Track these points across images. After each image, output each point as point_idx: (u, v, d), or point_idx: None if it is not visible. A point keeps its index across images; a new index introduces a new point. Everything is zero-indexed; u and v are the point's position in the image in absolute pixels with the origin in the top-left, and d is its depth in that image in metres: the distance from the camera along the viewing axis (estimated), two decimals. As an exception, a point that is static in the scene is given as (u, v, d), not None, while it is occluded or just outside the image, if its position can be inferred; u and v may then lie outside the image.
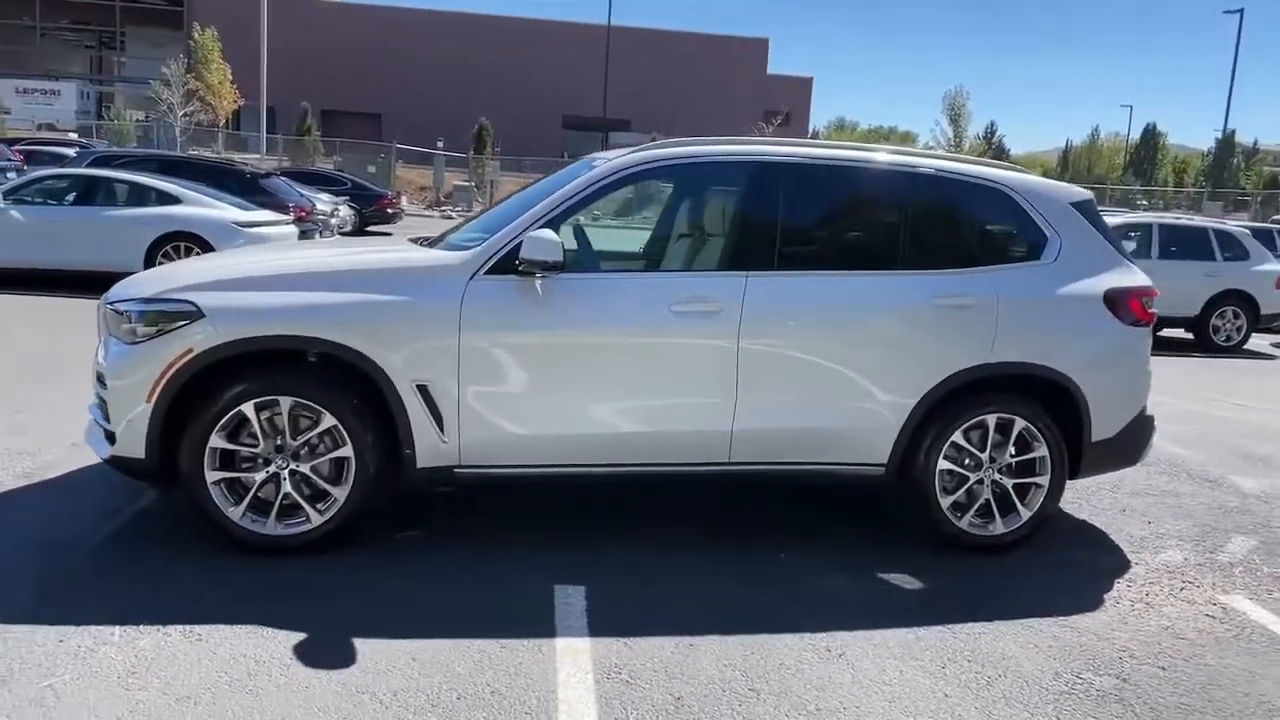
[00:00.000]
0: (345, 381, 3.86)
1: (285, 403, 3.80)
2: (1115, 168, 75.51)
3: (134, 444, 3.78)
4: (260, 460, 3.84)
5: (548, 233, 3.86)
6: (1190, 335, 13.17)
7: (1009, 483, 4.39)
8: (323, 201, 17.81)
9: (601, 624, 3.47)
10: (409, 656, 3.15)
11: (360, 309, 3.83)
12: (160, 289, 3.90)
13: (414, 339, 3.86)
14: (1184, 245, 13.25)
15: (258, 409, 3.79)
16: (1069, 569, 4.33)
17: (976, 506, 4.37)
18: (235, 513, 3.83)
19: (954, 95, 46.46)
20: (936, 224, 4.48)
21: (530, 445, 4.03)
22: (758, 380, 4.10)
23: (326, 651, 3.15)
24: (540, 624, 3.44)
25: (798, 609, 3.72)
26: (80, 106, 46.80)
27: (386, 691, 2.94)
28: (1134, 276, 4.58)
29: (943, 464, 4.30)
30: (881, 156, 4.48)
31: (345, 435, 3.84)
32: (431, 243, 4.52)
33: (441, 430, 3.92)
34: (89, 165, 14.48)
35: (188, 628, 3.24)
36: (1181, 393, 9.05)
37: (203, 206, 11.46)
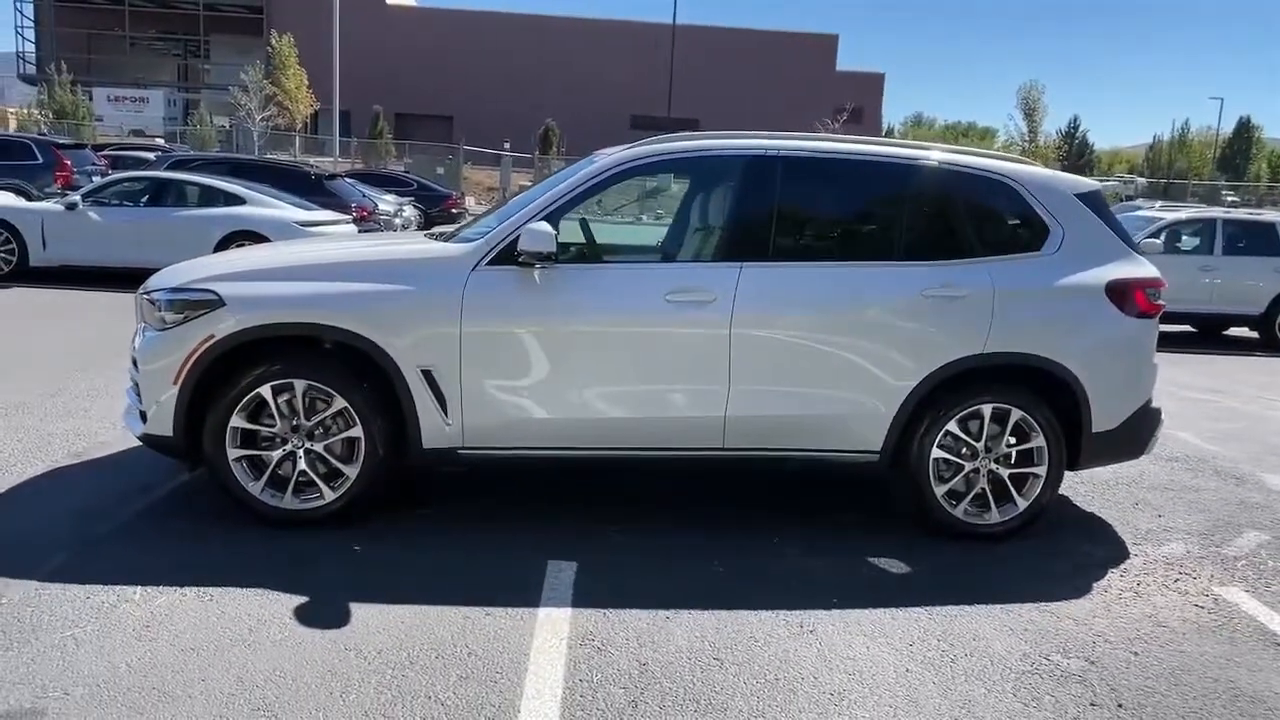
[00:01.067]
0: (355, 366, 4.11)
1: (299, 386, 4.07)
2: (1206, 162, 72.65)
3: (163, 423, 4.09)
4: (278, 439, 4.12)
5: (543, 225, 4.05)
6: (1255, 334, 12.76)
7: (1005, 473, 4.43)
8: (386, 202, 18.33)
9: (585, 596, 3.65)
10: (398, 620, 3.38)
11: (368, 298, 4.08)
12: (187, 279, 4.21)
13: (418, 326, 4.09)
14: (1250, 241, 12.84)
15: (274, 391, 4.06)
16: (1063, 558, 4.35)
17: (972, 495, 4.43)
18: (255, 488, 4.11)
19: (1028, 89, 45.40)
20: (933, 216, 4.54)
21: (529, 428, 4.23)
22: (750, 368, 4.23)
23: (323, 613, 3.39)
24: (527, 595, 3.63)
25: (778, 588, 3.84)
26: (167, 113, 48.82)
27: (372, 649, 3.16)
28: (1140, 268, 4.57)
29: (937, 452, 4.37)
30: (880, 149, 4.56)
31: (355, 417, 4.09)
32: (448, 237, 4.75)
33: (445, 413, 4.15)
34: (166, 169, 15.21)
35: (201, 589, 3.52)
36: (1233, 391, 8.84)
37: (266, 207, 11.98)
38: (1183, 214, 12.92)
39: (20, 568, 3.58)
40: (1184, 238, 12.80)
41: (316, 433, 4.13)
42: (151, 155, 18.93)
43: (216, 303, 4.05)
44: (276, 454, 4.11)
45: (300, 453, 4.12)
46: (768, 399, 4.28)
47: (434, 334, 4.09)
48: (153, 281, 4.38)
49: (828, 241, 4.54)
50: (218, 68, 53.72)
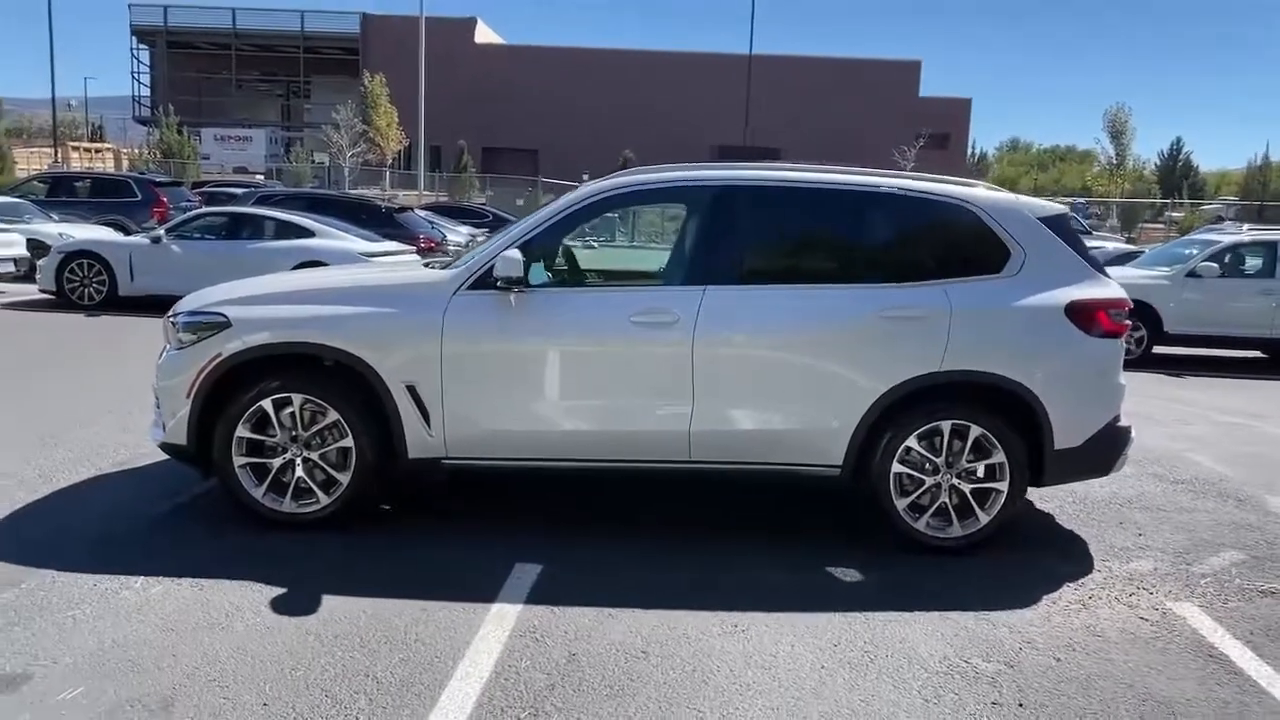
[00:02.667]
0: (347, 382, 4.50)
1: (297, 400, 4.48)
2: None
3: (178, 433, 4.55)
4: (279, 449, 4.53)
5: (514, 253, 4.39)
6: (1322, 359, 12.27)
7: (967, 487, 4.55)
8: (458, 233, 19.08)
9: (540, 595, 3.93)
10: (361, 610, 3.72)
11: (358, 320, 4.48)
12: (202, 303, 4.69)
13: (403, 345, 4.46)
14: (1318, 262, 12.35)
15: (275, 405, 4.48)
16: (1024, 571, 4.44)
17: (934, 509, 4.56)
18: (258, 493, 4.53)
19: (1115, 111, 44.19)
20: (892, 241, 4.73)
21: (505, 440, 4.55)
22: (713, 385, 4.47)
23: (296, 604, 3.76)
24: (487, 592, 3.93)
25: (726, 593, 4.04)
26: (269, 150, 51.40)
27: (330, 635, 3.51)
28: (1103, 289, 4.66)
29: (897, 467, 4.52)
30: (840, 178, 4.77)
31: (347, 428, 4.48)
32: (444, 265, 5.13)
33: (428, 425, 4.50)
34: (252, 204, 16.21)
35: (195, 580, 3.93)
36: (1269, 415, 8.61)
37: (332, 239, 12.71)
38: (1244, 236, 12.54)
39: (44, 558, 4.05)
40: (1247, 260, 12.43)
41: (313, 443, 4.53)
42: (239, 191, 20.17)
43: (224, 324, 4.51)
44: (277, 462, 4.53)
45: (298, 461, 4.53)
46: (730, 414, 4.51)
47: (417, 353, 4.46)
48: (178, 305, 4.87)
49: (789, 266, 4.75)
50: (317, 107, 56.34)
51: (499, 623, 3.67)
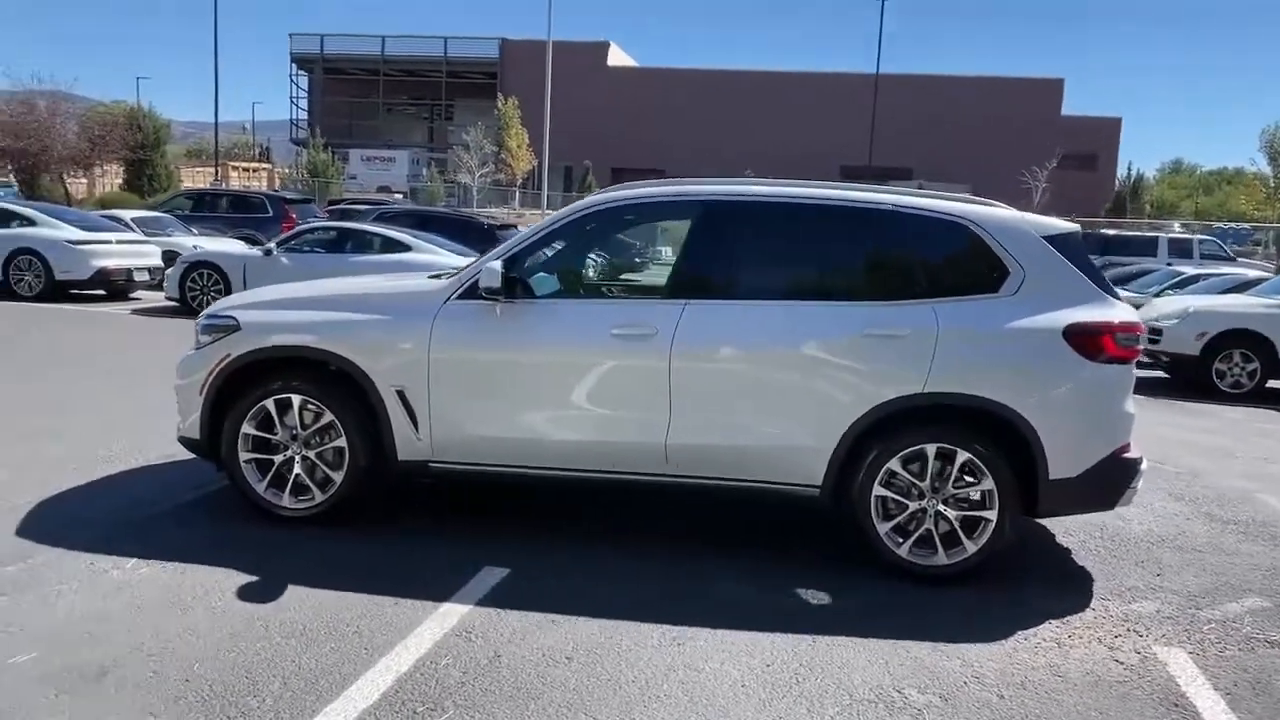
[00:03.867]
0: (342, 385, 4.72)
1: (296, 400, 4.73)
2: None
3: (193, 428, 4.88)
4: (280, 446, 4.79)
5: (496, 264, 4.52)
6: None
7: (953, 514, 4.37)
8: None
9: (495, 598, 4.01)
10: (317, 602, 3.89)
11: (353, 326, 4.70)
12: (222, 307, 5.02)
13: (394, 352, 4.65)
14: None
15: (276, 405, 4.74)
16: (1010, 604, 4.21)
17: (917, 536, 4.39)
18: (260, 487, 4.80)
19: (1273, 132, 40.95)
20: (881, 257, 4.60)
21: (487, 447, 4.67)
22: (689, 399, 4.46)
23: (260, 591, 3.96)
24: (443, 592, 4.04)
25: (683, 606, 4.02)
26: (411, 171, 53.86)
27: (277, 622, 3.69)
28: (1109, 312, 4.40)
29: (879, 490, 4.38)
30: (831, 193, 4.68)
31: (342, 429, 4.70)
32: (447, 276, 5.30)
33: (416, 429, 4.67)
34: (372, 220, 17.07)
35: (181, 565, 4.20)
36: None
37: (428, 253, 13.25)
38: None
39: (58, 538, 4.41)
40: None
41: (312, 441, 4.77)
42: (364, 208, 21.30)
43: (234, 327, 4.82)
44: (279, 459, 4.79)
45: (297, 459, 4.77)
46: (707, 428, 4.48)
47: (406, 358, 4.64)
48: (208, 308, 5.23)
49: (773, 282, 4.69)
50: (460, 129, 58.78)
51: (441, 621, 3.77)
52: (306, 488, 4.78)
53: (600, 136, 51.07)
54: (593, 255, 5.38)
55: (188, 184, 41.71)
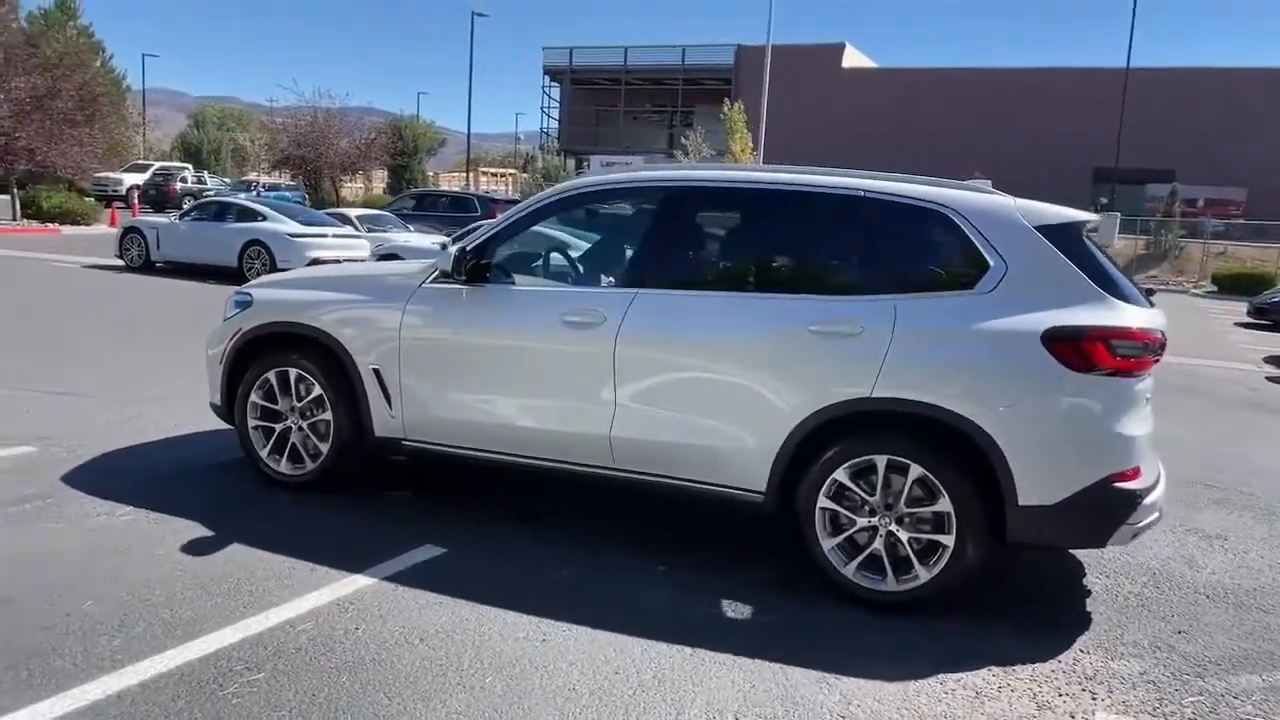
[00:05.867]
0: (330, 361, 4.96)
1: (293, 373, 5.02)
2: None
3: (216, 394, 5.31)
4: (283, 415, 5.11)
5: (453, 249, 4.58)
6: None
7: (904, 535, 3.91)
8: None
9: (407, 575, 4.05)
10: (243, 559, 4.11)
11: (340, 305, 4.93)
12: (249, 284, 5.42)
13: (371, 331, 4.82)
14: None
15: (277, 376, 5.06)
16: (957, 645, 3.69)
17: (865, 556, 3.97)
18: (264, 452, 5.14)
19: None
20: (843, 247, 4.20)
21: (450, 428, 4.73)
22: (633, 390, 4.29)
23: (202, 545, 4.24)
24: (364, 564, 4.13)
25: (583, 602, 3.87)
26: (646, 175, 55.33)
27: (191, 572, 3.93)
28: (1107, 315, 3.76)
29: (824, 502, 4.01)
30: (794, 178, 4.32)
31: (329, 403, 4.94)
32: None
33: (390, 407, 4.82)
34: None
35: (162, 516, 4.57)
36: None
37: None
38: None
39: (87, 485, 4.93)
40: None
41: (306, 413, 5.04)
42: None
43: (249, 304, 5.19)
44: (279, 427, 5.10)
45: (294, 428, 5.07)
46: (650, 423, 4.29)
47: (381, 338, 4.80)
48: (242, 285, 5.67)
49: (726, 271, 4.40)
50: (697, 134, 59.65)
51: (335, 590, 3.86)
52: (301, 456, 5.06)
53: (833, 139, 49.91)
54: (560, 241, 5.30)
55: (444, 186, 45.25)
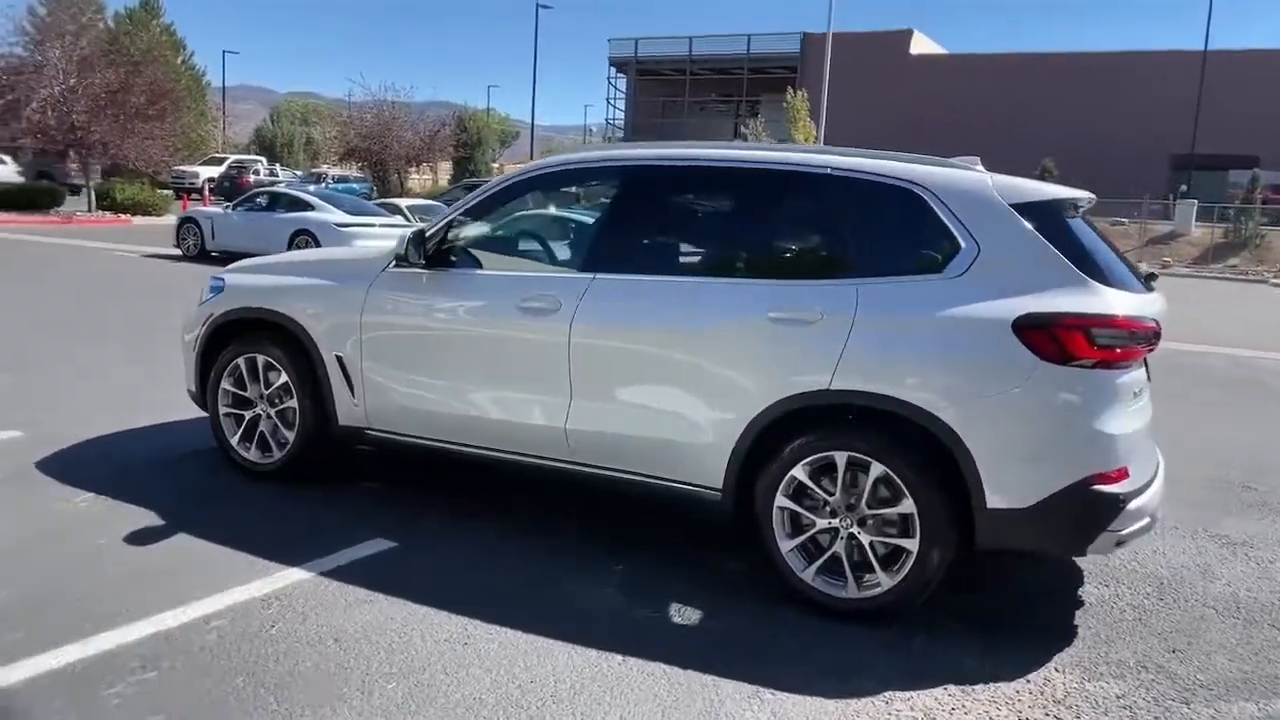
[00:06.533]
0: (294, 347, 4.84)
1: (260, 360, 4.92)
2: None
3: (192, 381, 5.25)
4: (252, 403, 5.01)
5: (408, 232, 4.41)
6: None
7: (866, 539, 3.61)
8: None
9: (345, 571, 3.89)
10: (185, 549, 4.01)
11: (304, 290, 4.81)
12: (224, 269, 5.34)
13: (333, 317, 4.68)
14: None
15: (246, 363, 4.97)
16: (918, 661, 3.39)
17: (824, 560, 3.69)
18: (234, 439, 5.05)
19: None
20: (807, 228, 3.91)
21: (410, 418, 4.56)
22: (588, 380, 4.07)
23: (146, 536, 4.14)
24: (305, 557, 3.99)
25: (529, 607, 3.64)
26: (708, 165, 54.78)
27: (130, 563, 3.84)
28: (1088, 301, 3.40)
29: (782, 501, 3.73)
30: (757, 155, 4.03)
31: (294, 390, 4.83)
32: None
33: (353, 395, 4.68)
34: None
35: (119, 504, 4.50)
36: None
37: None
38: None
39: (58, 471, 4.91)
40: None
41: (274, 400, 4.94)
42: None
43: (222, 289, 5.11)
44: (248, 415, 5.01)
45: (263, 416, 4.97)
46: (604, 414, 4.07)
47: (344, 324, 4.65)
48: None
49: (686, 255, 4.13)
50: (768, 124, 58.88)
51: (267, 584, 3.72)
52: (269, 445, 4.96)
53: (901, 127, 48.72)
54: (525, 225, 5.07)
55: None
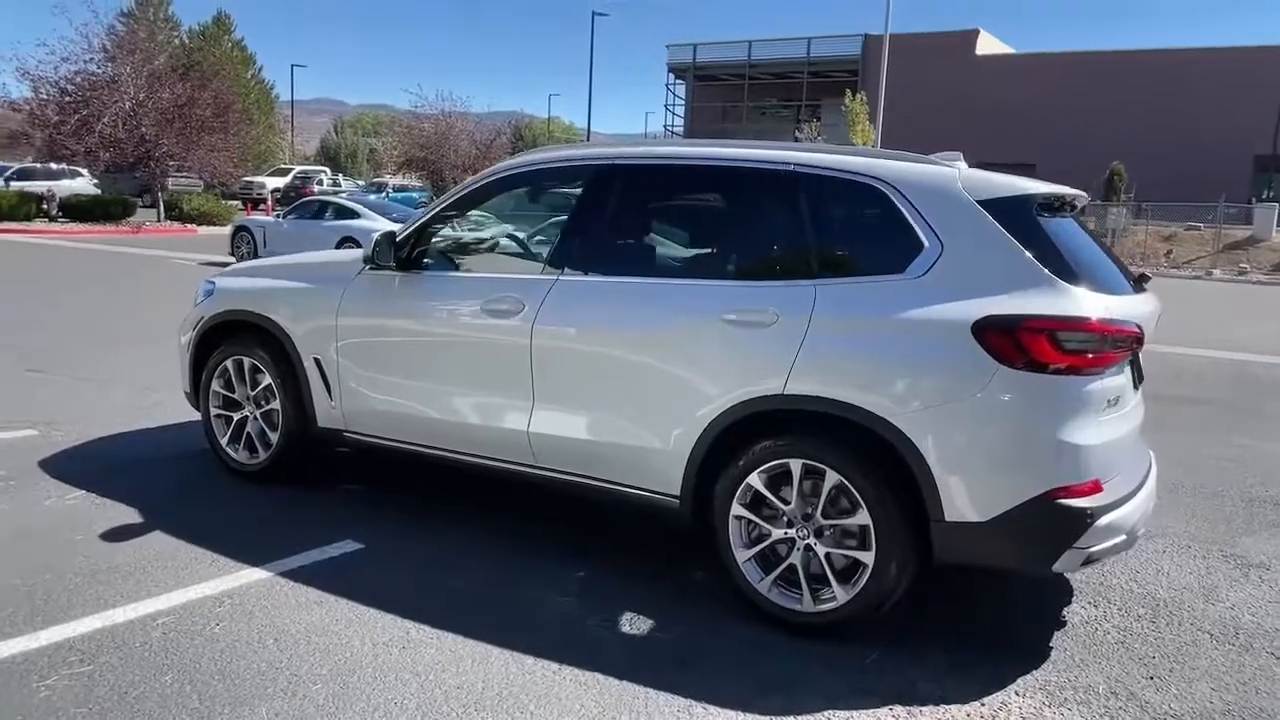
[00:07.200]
0: (276, 348, 4.87)
1: (246, 362, 4.97)
2: None
3: (185, 382, 5.33)
4: (240, 404, 5.07)
5: (377, 234, 4.41)
6: None
7: (822, 550, 3.48)
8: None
9: (304, 572, 3.89)
10: (154, 549, 4.04)
11: (284, 293, 4.85)
12: (217, 272, 5.41)
13: (311, 319, 4.71)
14: None
15: (234, 365, 5.02)
16: (868, 678, 3.24)
17: (780, 572, 3.57)
18: (224, 441, 5.12)
19: None
20: (768, 227, 3.77)
21: (383, 420, 4.56)
22: (550, 383, 4.02)
23: (122, 533, 4.20)
24: (268, 557, 4.00)
25: (478, 613, 3.60)
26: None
27: (99, 560, 3.89)
28: (1056, 303, 3.22)
29: (738, 509, 3.62)
30: (719, 152, 3.92)
31: (276, 392, 4.87)
32: None
33: (330, 397, 4.70)
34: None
35: (106, 501, 4.59)
36: None
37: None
38: None
39: (59, 470, 5.03)
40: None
41: (260, 402, 4.99)
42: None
43: (212, 291, 5.18)
44: (237, 416, 5.07)
45: (250, 417, 5.02)
46: (566, 418, 4.00)
47: (321, 327, 4.67)
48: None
49: (645, 255, 4.04)
50: (826, 127, 58.34)
51: (222, 583, 3.75)
52: (256, 446, 5.01)
53: (968, 130, 47.75)
54: (499, 225, 5.01)
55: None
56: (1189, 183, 37.19)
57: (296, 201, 22.17)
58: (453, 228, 4.64)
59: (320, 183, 43.61)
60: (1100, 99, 45.27)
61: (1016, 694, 3.21)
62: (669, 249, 4.09)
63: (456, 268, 4.55)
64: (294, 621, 3.46)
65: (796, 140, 39.20)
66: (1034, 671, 3.37)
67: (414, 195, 37.29)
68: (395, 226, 4.74)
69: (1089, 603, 3.99)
